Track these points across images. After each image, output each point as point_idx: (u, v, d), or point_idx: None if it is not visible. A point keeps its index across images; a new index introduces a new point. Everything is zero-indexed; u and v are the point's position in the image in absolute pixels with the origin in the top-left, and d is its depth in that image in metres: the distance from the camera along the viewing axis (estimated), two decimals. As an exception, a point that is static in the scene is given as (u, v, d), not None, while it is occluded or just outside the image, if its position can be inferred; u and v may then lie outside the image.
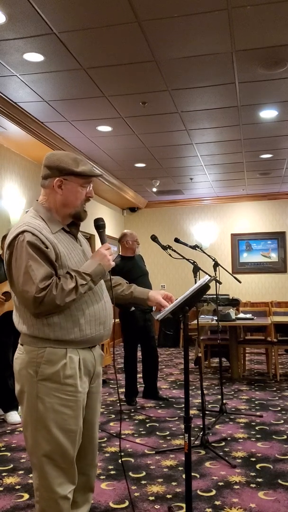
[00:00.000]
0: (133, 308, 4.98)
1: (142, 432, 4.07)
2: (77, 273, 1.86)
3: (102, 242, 2.05)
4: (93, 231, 8.96)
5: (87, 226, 9.94)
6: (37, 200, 2.06)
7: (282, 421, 4.31)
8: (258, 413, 4.55)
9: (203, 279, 2.47)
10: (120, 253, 5.32)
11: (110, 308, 2.07)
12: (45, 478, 1.89)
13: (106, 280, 2.07)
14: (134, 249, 5.23)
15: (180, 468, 3.25)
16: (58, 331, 1.87)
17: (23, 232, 1.83)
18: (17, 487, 3.01)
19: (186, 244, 4.37)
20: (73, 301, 1.84)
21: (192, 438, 3.15)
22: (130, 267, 5.09)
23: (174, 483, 3.01)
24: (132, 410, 4.77)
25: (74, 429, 1.92)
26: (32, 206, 2.05)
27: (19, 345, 2.02)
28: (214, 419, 4.34)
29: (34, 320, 1.88)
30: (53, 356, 1.88)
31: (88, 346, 1.99)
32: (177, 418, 4.48)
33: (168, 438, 3.91)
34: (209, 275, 3.11)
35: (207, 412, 4.44)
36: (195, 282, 2.70)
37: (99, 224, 2.07)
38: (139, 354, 5.28)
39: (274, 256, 10.29)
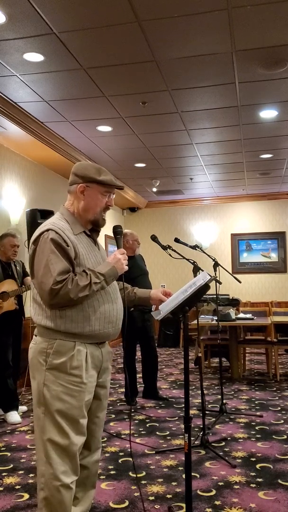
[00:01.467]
0: (131, 309, 4.98)
1: (142, 432, 4.07)
2: (92, 272, 2.02)
3: (118, 247, 2.24)
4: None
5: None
6: (64, 205, 2.23)
7: (282, 421, 4.31)
8: (258, 413, 4.55)
9: (202, 274, 2.47)
10: None
11: (121, 309, 2.21)
12: (50, 464, 1.98)
13: (119, 283, 2.26)
14: (134, 248, 5.24)
15: (180, 468, 3.25)
16: (69, 323, 2.01)
17: (48, 230, 2.02)
18: (17, 487, 3.02)
19: (186, 244, 4.37)
20: (86, 297, 1.99)
21: (192, 438, 3.15)
22: (130, 266, 5.08)
23: (174, 483, 3.02)
24: (132, 410, 4.77)
25: (77, 418, 2.01)
26: (59, 210, 2.23)
27: (33, 336, 2.15)
28: (214, 419, 4.34)
29: (49, 312, 2.02)
30: (62, 347, 2.01)
31: (96, 342, 2.11)
32: (177, 418, 4.48)
33: (168, 438, 3.91)
34: (209, 275, 3.11)
35: (207, 412, 4.44)
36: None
37: (117, 231, 2.28)
38: (138, 354, 5.28)
39: (274, 256, 10.29)
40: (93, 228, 2.23)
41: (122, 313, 2.21)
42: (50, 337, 2.03)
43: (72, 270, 2.02)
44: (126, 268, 2.14)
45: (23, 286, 4.68)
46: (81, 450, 2.13)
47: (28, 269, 5.52)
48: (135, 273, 5.08)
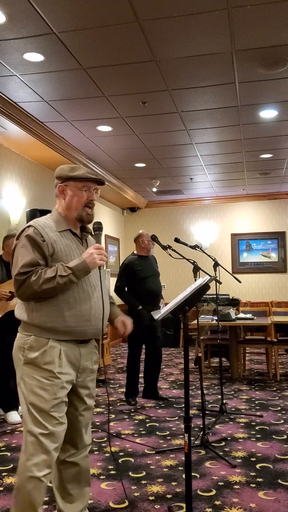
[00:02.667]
0: (140, 307, 4.97)
1: (142, 432, 4.07)
2: (61, 265, 2.06)
3: (96, 243, 2.25)
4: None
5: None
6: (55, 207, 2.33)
7: (282, 421, 4.31)
8: (258, 413, 4.55)
9: (203, 279, 2.48)
10: (134, 252, 5.31)
11: (100, 309, 2.19)
12: (25, 454, 2.06)
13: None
14: (149, 249, 5.24)
15: (180, 468, 3.25)
16: (43, 317, 2.08)
17: (28, 227, 2.14)
18: (17, 487, 3.01)
19: (186, 244, 4.37)
20: (53, 290, 2.03)
21: (192, 438, 3.16)
22: (143, 266, 5.11)
23: (174, 483, 3.01)
24: (132, 410, 4.77)
25: (49, 411, 2.06)
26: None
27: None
28: (214, 419, 4.34)
29: (26, 306, 2.13)
30: (36, 343, 2.09)
31: (73, 340, 2.14)
32: (177, 418, 4.48)
33: (168, 438, 3.91)
34: (209, 275, 3.11)
35: (207, 412, 4.44)
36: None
37: (96, 227, 2.28)
38: (142, 354, 5.27)
39: (274, 256, 10.29)
40: (82, 227, 2.29)
41: (103, 313, 2.19)
42: (27, 332, 2.12)
43: (46, 264, 2.09)
44: (101, 262, 2.11)
45: None
46: (69, 448, 2.25)
47: None
48: (147, 273, 5.07)
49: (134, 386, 5.10)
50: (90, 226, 2.32)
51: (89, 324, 2.14)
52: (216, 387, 5.68)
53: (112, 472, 3.22)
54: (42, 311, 2.08)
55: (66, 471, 2.29)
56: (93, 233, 2.29)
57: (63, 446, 2.19)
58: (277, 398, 5.17)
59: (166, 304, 5.06)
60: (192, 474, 3.09)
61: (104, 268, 2.20)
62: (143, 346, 5.21)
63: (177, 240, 4.39)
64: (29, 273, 2.03)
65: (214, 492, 2.87)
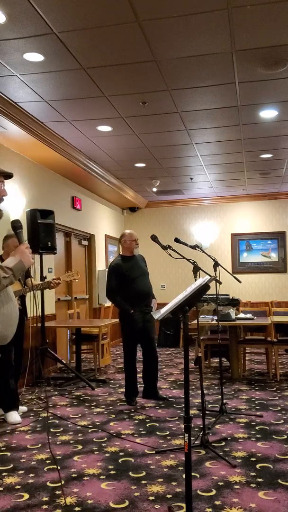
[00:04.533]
0: (132, 311, 4.97)
1: (142, 432, 4.07)
2: (0, 267, 1.97)
3: (20, 241, 2.18)
4: (93, 231, 8.99)
5: (87, 226, 9.90)
6: None
7: (282, 421, 4.31)
8: (258, 413, 4.55)
9: (203, 279, 2.48)
10: (120, 253, 5.32)
11: (16, 312, 2.12)
12: None
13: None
14: (132, 249, 5.22)
15: (180, 468, 3.25)
16: None
17: None
18: (17, 487, 3.02)
19: (186, 244, 4.38)
20: None
21: (192, 438, 3.16)
22: (129, 267, 5.09)
23: (174, 483, 3.01)
24: (132, 410, 4.77)
25: None
26: None
27: None
28: (214, 419, 4.34)
29: None
30: None
31: None
32: (177, 418, 4.48)
33: (168, 438, 3.91)
34: (209, 275, 3.11)
35: (207, 412, 4.44)
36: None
37: (16, 226, 2.20)
38: (139, 354, 5.28)
39: (274, 256, 10.29)
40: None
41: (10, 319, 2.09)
42: None
43: None
44: (33, 261, 2.05)
45: (26, 287, 4.68)
46: None
47: (31, 271, 5.54)
48: (135, 274, 5.07)
49: (133, 386, 5.10)
50: (8, 225, 2.24)
51: (12, 330, 2.04)
52: (216, 387, 5.68)
53: (112, 472, 3.22)
54: None
55: None
56: (14, 231, 2.20)
57: None
58: (277, 398, 5.17)
59: (158, 304, 5.07)
60: (192, 474, 3.09)
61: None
62: (139, 347, 5.21)
63: (177, 240, 4.39)
64: None
65: (214, 492, 2.87)
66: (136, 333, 5.02)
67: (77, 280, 5.38)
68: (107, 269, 9.35)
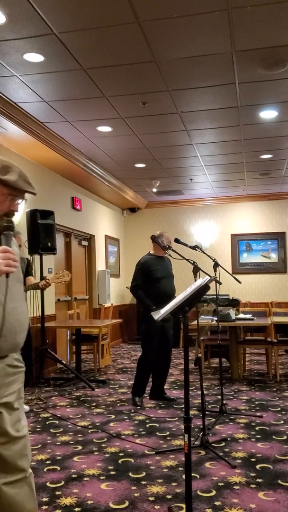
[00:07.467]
0: (154, 307, 4.93)
1: (142, 433, 4.06)
2: None
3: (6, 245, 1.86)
4: (93, 232, 8.99)
5: (87, 226, 9.89)
6: None
7: (282, 422, 4.31)
8: (258, 414, 4.55)
9: (203, 279, 2.48)
10: (150, 252, 5.24)
11: (16, 320, 1.87)
12: None
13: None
14: (165, 249, 5.19)
15: (180, 469, 3.25)
16: None
17: None
18: (17, 487, 3.01)
19: (186, 244, 4.38)
20: None
21: (192, 439, 3.15)
22: (158, 267, 5.05)
23: (174, 484, 3.01)
24: (132, 411, 4.77)
25: None
26: None
27: None
28: (214, 419, 4.34)
29: None
30: None
31: None
32: (177, 418, 4.48)
33: (168, 438, 3.91)
34: (209, 275, 3.11)
35: (207, 412, 4.43)
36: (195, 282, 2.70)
37: (6, 226, 1.90)
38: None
39: (274, 257, 10.29)
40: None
41: (17, 325, 1.88)
42: None
43: None
44: (7, 269, 1.71)
45: (25, 286, 4.67)
46: None
47: (32, 268, 5.53)
48: (162, 274, 5.01)
49: (145, 385, 5.07)
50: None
51: (4, 339, 1.82)
52: (216, 388, 5.68)
53: (112, 472, 3.22)
54: None
55: None
56: (2, 232, 1.88)
57: None
58: (277, 398, 5.17)
59: None
60: (192, 474, 3.09)
61: (13, 275, 1.81)
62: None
63: (177, 240, 4.39)
64: None
65: (214, 492, 2.87)
66: (154, 330, 4.99)
67: (67, 282, 5.33)
68: (107, 270, 9.36)
